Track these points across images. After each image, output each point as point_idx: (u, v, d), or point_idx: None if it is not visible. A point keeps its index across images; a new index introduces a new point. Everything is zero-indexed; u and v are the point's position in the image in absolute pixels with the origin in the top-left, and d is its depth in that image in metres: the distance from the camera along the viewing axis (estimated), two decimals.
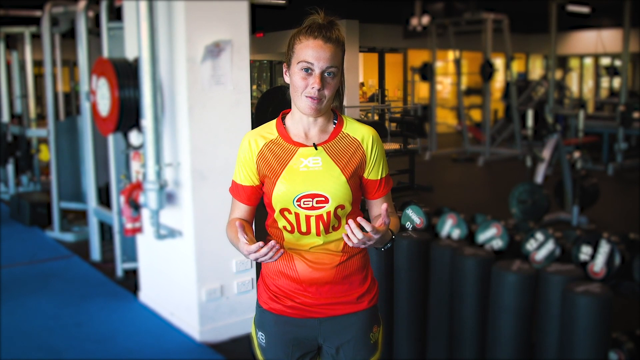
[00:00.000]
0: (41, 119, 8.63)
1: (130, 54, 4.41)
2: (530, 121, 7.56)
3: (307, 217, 1.93)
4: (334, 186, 1.92)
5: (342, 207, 1.94)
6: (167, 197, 4.12)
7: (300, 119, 1.95)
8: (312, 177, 1.91)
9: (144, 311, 4.58)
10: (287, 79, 1.94)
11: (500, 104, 13.08)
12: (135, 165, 4.60)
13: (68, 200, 6.34)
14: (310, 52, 1.84)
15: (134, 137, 4.54)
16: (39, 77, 8.75)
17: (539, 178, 6.80)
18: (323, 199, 1.91)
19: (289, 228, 1.96)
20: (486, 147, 10.85)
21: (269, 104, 4.42)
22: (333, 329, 2.02)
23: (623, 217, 7.44)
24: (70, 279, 5.25)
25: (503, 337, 2.51)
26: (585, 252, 2.64)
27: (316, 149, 1.94)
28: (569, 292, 2.32)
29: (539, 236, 2.77)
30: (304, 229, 1.94)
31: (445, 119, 13.04)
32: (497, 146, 11.21)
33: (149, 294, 4.66)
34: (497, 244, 2.87)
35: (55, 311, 4.57)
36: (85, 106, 5.53)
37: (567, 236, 3.11)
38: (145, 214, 4.39)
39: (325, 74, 1.86)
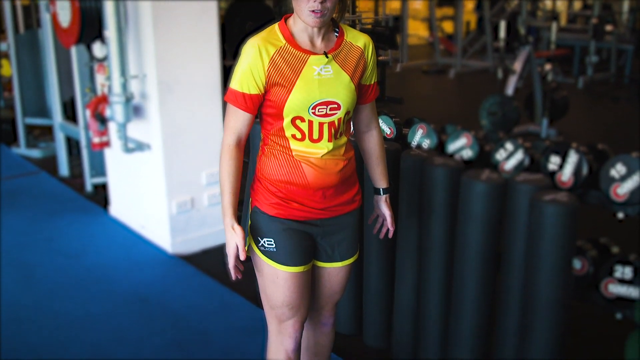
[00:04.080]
0: (0, 32, 8.31)
1: None
2: (502, 33, 7.49)
3: (320, 125, 2.02)
4: (345, 93, 2.03)
5: (348, 113, 2.07)
6: (134, 110, 4.04)
7: (305, 28, 1.99)
8: (325, 85, 2.00)
9: (114, 225, 4.57)
10: None
11: (473, 15, 12.91)
12: (100, 78, 4.49)
13: (33, 115, 6.20)
14: None
15: (98, 49, 4.41)
16: None
17: (509, 90, 6.80)
18: (336, 105, 2.02)
19: (298, 136, 2.03)
20: (457, 59, 10.74)
21: (237, 13, 4.29)
22: (332, 229, 2.18)
23: (591, 129, 7.52)
24: (39, 195, 5.20)
25: (471, 246, 2.54)
26: (553, 162, 2.65)
27: (327, 57, 2.00)
28: (536, 201, 2.34)
29: (509, 146, 2.77)
30: (315, 136, 2.03)
31: (416, 30, 12.86)
32: (469, 58, 11.10)
33: (119, 208, 4.64)
34: (467, 154, 2.87)
35: (25, 227, 4.54)
36: (46, 17, 5.33)
37: (537, 146, 3.12)
38: (112, 127, 4.32)
39: None
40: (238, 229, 2.01)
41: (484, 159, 2.85)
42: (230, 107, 2.03)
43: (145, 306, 3.53)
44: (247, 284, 2.38)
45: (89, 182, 5.18)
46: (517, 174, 2.53)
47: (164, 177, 3.99)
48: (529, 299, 2.43)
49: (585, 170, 2.58)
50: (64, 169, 5.65)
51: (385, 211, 2.35)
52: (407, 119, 3.22)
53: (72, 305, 3.53)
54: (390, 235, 2.40)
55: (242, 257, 2.02)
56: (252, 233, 2.15)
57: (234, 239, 2.01)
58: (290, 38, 1.99)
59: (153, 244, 4.24)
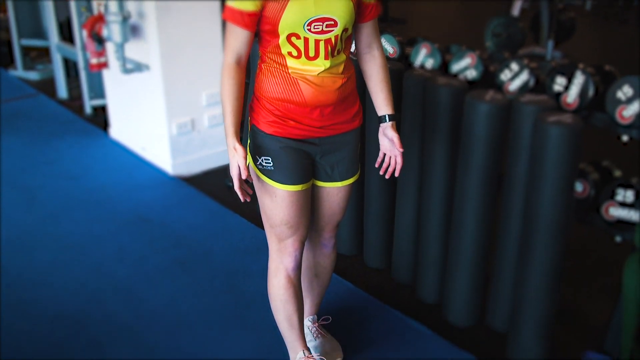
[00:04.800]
0: None
1: None
2: None
3: (317, 42, 1.98)
4: (342, 9, 1.98)
5: (346, 30, 2.03)
6: (132, 30, 3.96)
7: None
8: (322, 1, 1.96)
9: (115, 147, 4.56)
10: None
11: None
12: None
13: (28, 37, 6.08)
14: None
15: None
16: None
17: (515, 11, 6.65)
18: (332, 22, 1.97)
19: (295, 54, 2.00)
20: None
21: None
22: (331, 148, 2.17)
23: (598, 52, 7.40)
24: (38, 117, 5.16)
25: (473, 167, 2.53)
26: (559, 83, 2.61)
27: None
28: (540, 122, 2.31)
29: (514, 66, 2.72)
30: (312, 53, 2.00)
31: None
32: None
33: (119, 130, 4.61)
34: (471, 74, 2.82)
35: (25, 150, 4.53)
36: None
37: (542, 67, 3.06)
38: (109, 48, 4.25)
39: None
40: (239, 148, 1.98)
41: (488, 79, 2.81)
42: (229, 26, 1.99)
43: (147, 227, 3.55)
44: (249, 205, 2.38)
45: (88, 104, 5.13)
46: (522, 95, 2.48)
47: (164, 98, 3.94)
48: (529, 220, 2.43)
49: (591, 92, 2.54)
50: (62, 91, 5.58)
51: (392, 137, 2.19)
52: (411, 39, 3.16)
53: (74, 227, 3.55)
54: (397, 173, 2.25)
55: (244, 175, 1.99)
56: (251, 152, 2.14)
57: (235, 159, 1.99)
58: None
59: (154, 166, 4.23)
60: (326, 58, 2.01)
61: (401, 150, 2.19)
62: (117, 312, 2.87)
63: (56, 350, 2.64)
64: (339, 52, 2.04)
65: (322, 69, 2.02)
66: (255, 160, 2.14)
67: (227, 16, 1.98)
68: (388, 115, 2.20)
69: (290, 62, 2.01)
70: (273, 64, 2.04)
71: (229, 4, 1.97)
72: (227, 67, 2.01)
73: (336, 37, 2.00)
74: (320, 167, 2.21)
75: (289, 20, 1.94)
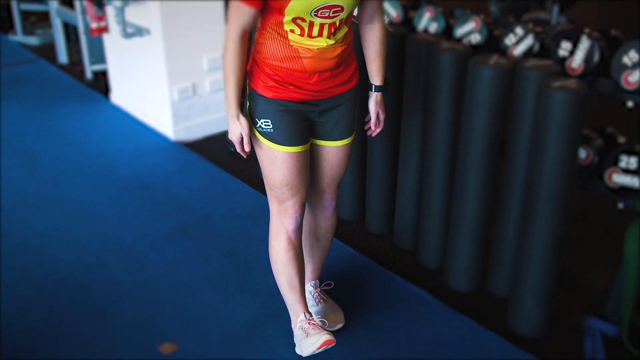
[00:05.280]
0: None
1: None
2: None
3: (321, 25, 2.01)
4: None
5: (351, 13, 2.07)
6: None
7: None
8: None
9: (116, 112, 4.54)
10: None
11: None
12: None
13: (28, 1, 6.01)
14: None
15: None
16: None
17: None
18: (339, 8, 1.98)
19: (297, 32, 2.02)
20: None
21: None
22: (329, 107, 2.20)
23: (604, 19, 7.31)
24: (38, 83, 5.12)
25: (476, 132, 2.51)
26: (564, 47, 2.58)
27: None
28: (544, 87, 2.29)
29: (519, 31, 2.69)
30: (315, 33, 2.02)
31: None
32: None
33: (120, 95, 4.59)
34: (475, 38, 2.78)
35: (26, 115, 4.51)
36: None
37: (547, 32, 3.03)
38: (110, 12, 4.20)
39: None
40: (243, 120, 2.09)
41: (492, 44, 2.78)
42: (236, 2, 1.98)
43: (149, 192, 3.55)
44: (250, 170, 2.37)
45: (89, 69, 5.09)
46: (526, 60, 2.46)
47: (165, 63, 3.91)
48: (532, 187, 2.42)
49: (596, 57, 2.51)
50: (62, 56, 5.54)
51: (372, 109, 2.33)
52: (414, 2, 3.12)
53: (76, 192, 3.55)
54: (374, 134, 2.42)
55: (247, 148, 2.13)
56: (250, 114, 2.16)
57: (238, 129, 2.10)
58: None
59: (155, 131, 4.22)
60: (329, 37, 2.04)
61: (376, 128, 2.37)
62: (120, 278, 2.88)
63: (59, 315, 2.66)
64: (341, 29, 2.07)
65: (324, 45, 2.05)
66: (254, 123, 2.15)
67: None
68: (376, 85, 2.29)
69: (292, 37, 2.03)
70: (274, 34, 2.05)
71: None
72: (231, 43, 2.02)
73: (341, 20, 2.03)
74: (320, 126, 2.24)
75: (296, 7, 1.95)
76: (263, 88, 2.11)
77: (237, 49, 2.02)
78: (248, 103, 2.16)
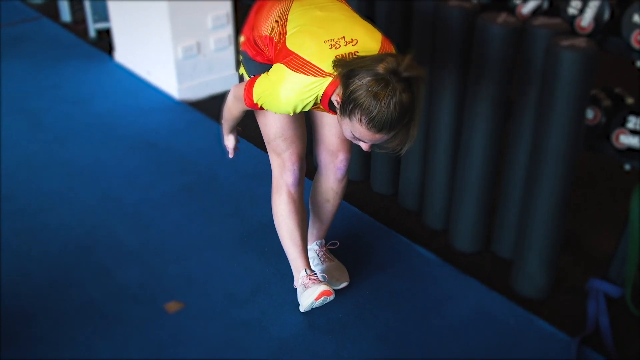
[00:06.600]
0: None
1: None
2: None
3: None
4: None
5: None
6: None
7: None
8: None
9: (120, 71, 4.50)
10: None
11: None
12: None
13: None
14: (365, 136, 1.94)
15: None
16: None
17: None
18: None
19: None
20: None
21: None
22: None
23: None
24: (41, 41, 5.08)
25: (483, 92, 2.48)
26: (574, 6, 2.53)
27: None
28: (553, 47, 2.25)
29: None
30: None
31: None
32: None
33: (124, 53, 4.55)
34: None
35: (30, 74, 4.48)
36: None
37: None
38: None
39: None
40: (231, 137, 2.43)
41: (501, 2, 2.73)
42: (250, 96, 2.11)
43: (153, 151, 3.54)
44: (255, 130, 2.37)
45: (92, 27, 5.04)
46: (535, 18, 2.42)
47: (169, 21, 3.86)
48: (538, 147, 2.40)
49: (606, 16, 2.47)
50: (65, 15, 5.48)
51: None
52: None
53: (81, 151, 3.55)
54: None
55: (231, 156, 2.49)
56: (246, 70, 2.27)
57: (226, 142, 2.46)
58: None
59: (159, 90, 4.19)
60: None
61: None
62: (125, 238, 2.89)
63: (64, 276, 2.67)
64: None
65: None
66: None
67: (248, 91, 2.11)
68: None
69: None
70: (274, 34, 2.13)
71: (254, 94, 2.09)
72: (234, 99, 2.22)
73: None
74: None
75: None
76: (254, 54, 2.21)
77: (237, 105, 2.20)
78: (242, 58, 2.27)
